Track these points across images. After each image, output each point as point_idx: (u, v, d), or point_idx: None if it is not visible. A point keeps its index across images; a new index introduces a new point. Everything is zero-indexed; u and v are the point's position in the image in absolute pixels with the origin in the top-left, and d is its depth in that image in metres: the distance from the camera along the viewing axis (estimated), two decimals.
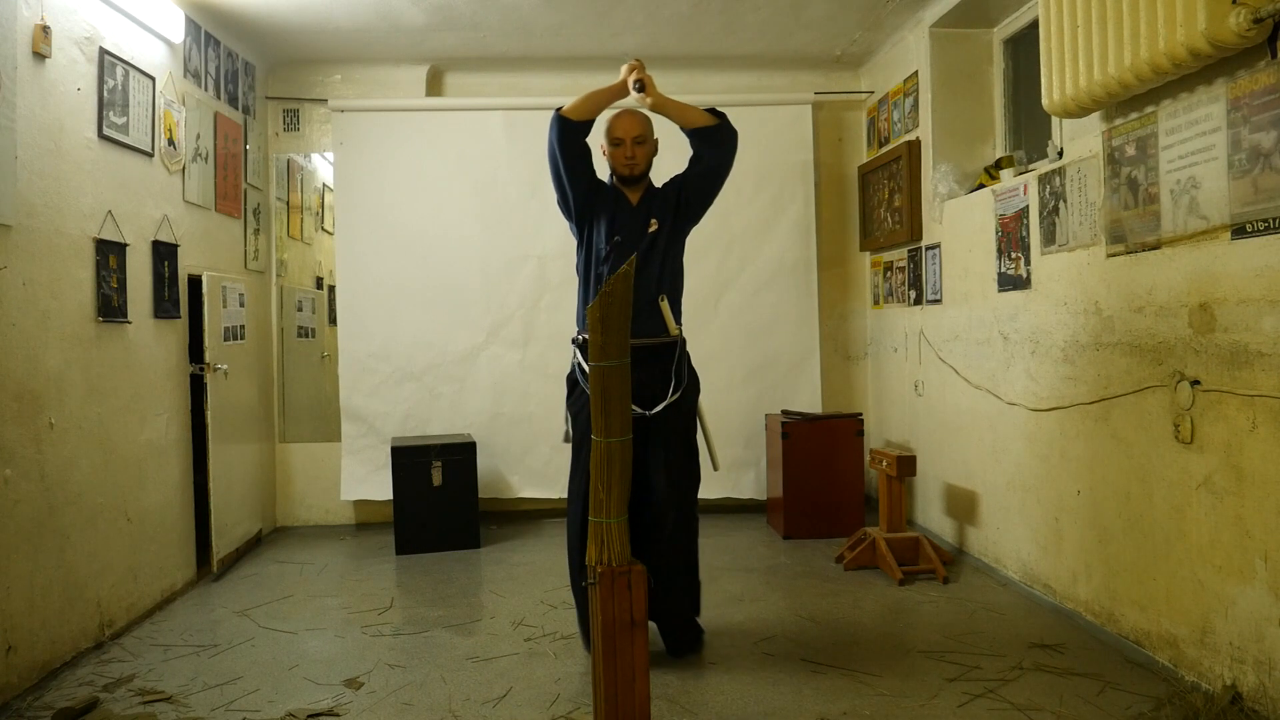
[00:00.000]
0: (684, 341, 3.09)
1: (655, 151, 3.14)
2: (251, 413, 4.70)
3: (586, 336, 2.93)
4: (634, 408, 2.92)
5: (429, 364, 5.07)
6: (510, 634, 3.32)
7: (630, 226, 3.05)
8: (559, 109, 3.02)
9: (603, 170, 3.15)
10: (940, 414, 4.43)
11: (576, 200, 3.08)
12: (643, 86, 2.98)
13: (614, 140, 3.06)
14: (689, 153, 3.13)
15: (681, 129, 3.09)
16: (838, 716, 2.58)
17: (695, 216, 3.17)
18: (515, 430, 5.12)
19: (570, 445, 3.15)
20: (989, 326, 3.91)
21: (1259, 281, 2.41)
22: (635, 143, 3.04)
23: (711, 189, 3.13)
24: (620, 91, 3.04)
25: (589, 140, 3.08)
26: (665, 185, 3.15)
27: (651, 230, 3.05)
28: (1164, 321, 2.79)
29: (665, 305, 3.04)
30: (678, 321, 3.09)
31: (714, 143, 3.07)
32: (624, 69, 3.03)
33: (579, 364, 3.05)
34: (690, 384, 3.09)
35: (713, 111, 3.07)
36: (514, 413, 5.12)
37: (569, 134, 3.01)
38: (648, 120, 3.09)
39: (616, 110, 3.11)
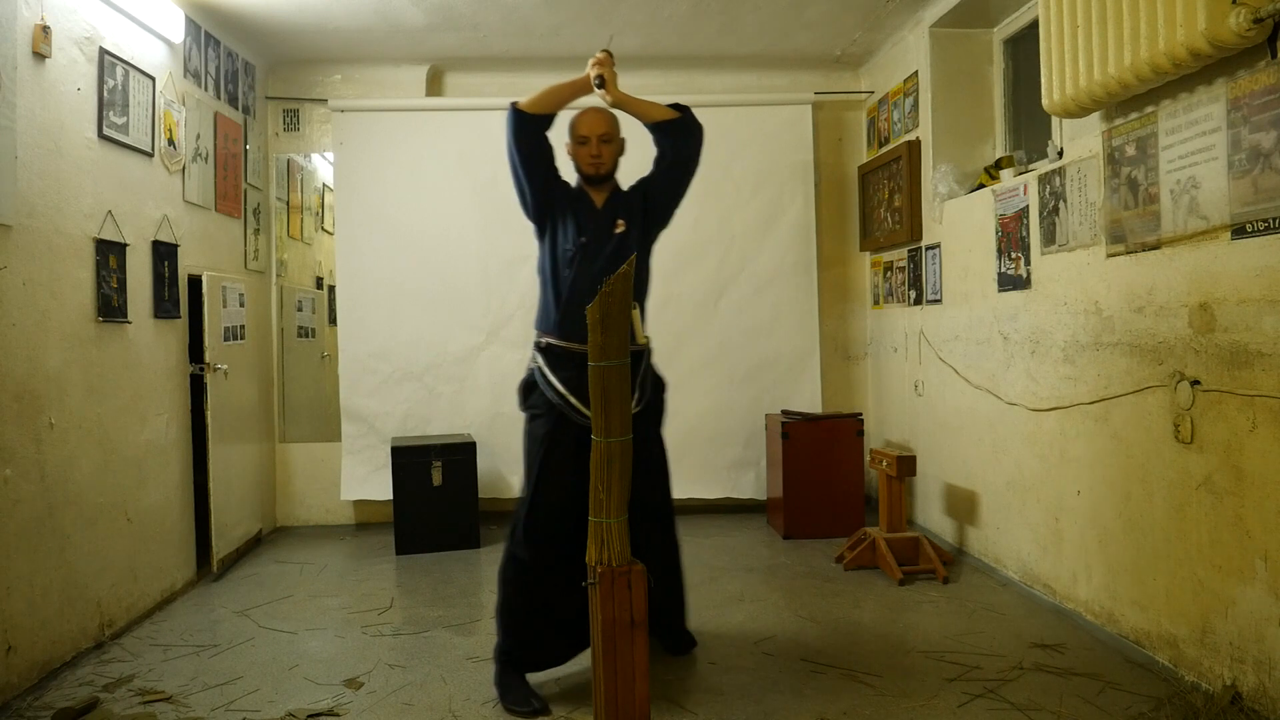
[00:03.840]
0: (650, 351, 2.93)
1: (622, 151, 2.98)
2: (251, 413, 4.70)
3: (550, 341, 2.85)
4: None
5: (429, 364, 5.07)
6: None
7: (596, 227, 2.87)
8: (514, 102, 2.86)
9: (567, 171, 2.98)
10: (940, 414, 4.43)
11: (534, 198, 2.88)
12: (603, 82, 2.84)
13: (579, 138, 2.87)
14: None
15: (644, 124, 2.94)
16: (838, 716, 2.58)
17: (663, 219, 2.98)
18: (515, 430, 5.04)
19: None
20: (989, 326, 3.91)
21: (1259, 281, 2.41)
22: (601, 141, 2.86)
23: (678, 187, 2.96)
24: (583, 87, 2.88)
25: (554, 139, 2.92)
26: (631, 188, 2.99)
27: (619, 231, 2.89)
28: (1164, 321, 2.79)
29: (635, 314, 2.81)
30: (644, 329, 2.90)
31: (676, 135, 2.90)
32: (590, 62, 2.87)
33: (539, 368, 2.93)
34: (655, 389, 2.96)
35: (676, 106, 2.92)
36: (514, 413, 4.99)
37: (525, 127, 2.83)
38: (614, 118, 2.92)
39: (581, 107, 2.96)
